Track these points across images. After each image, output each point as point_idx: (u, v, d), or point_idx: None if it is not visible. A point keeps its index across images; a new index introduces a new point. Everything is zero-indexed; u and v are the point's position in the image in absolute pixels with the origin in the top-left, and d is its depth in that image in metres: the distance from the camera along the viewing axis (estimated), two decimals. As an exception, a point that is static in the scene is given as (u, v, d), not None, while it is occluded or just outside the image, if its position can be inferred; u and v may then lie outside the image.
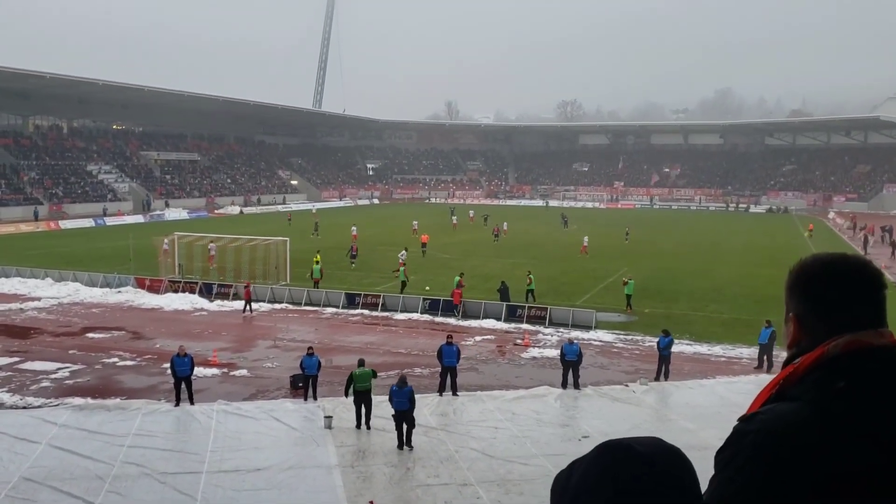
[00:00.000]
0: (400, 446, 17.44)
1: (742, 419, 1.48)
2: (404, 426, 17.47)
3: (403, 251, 42.28)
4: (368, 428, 18.62)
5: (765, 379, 22.62)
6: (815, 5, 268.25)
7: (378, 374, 20.03)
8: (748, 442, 1.42)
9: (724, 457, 1.44)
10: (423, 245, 51.16)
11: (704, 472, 1.42)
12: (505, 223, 65.34)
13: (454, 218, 73.89)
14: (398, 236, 60.53)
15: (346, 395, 19.05)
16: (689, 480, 1.35)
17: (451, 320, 31.45)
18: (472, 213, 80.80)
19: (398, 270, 36.90)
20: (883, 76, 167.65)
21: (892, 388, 1.43)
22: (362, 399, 18.68)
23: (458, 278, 34.16)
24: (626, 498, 1.29)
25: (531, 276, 34.67)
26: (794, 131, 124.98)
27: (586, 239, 52.69)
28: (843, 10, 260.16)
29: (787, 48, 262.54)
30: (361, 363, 19.50)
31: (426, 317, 32.12)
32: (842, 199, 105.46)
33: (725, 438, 1.47)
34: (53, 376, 23.10)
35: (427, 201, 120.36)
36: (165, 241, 44.33)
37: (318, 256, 39.81)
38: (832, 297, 1.57)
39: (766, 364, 24.25)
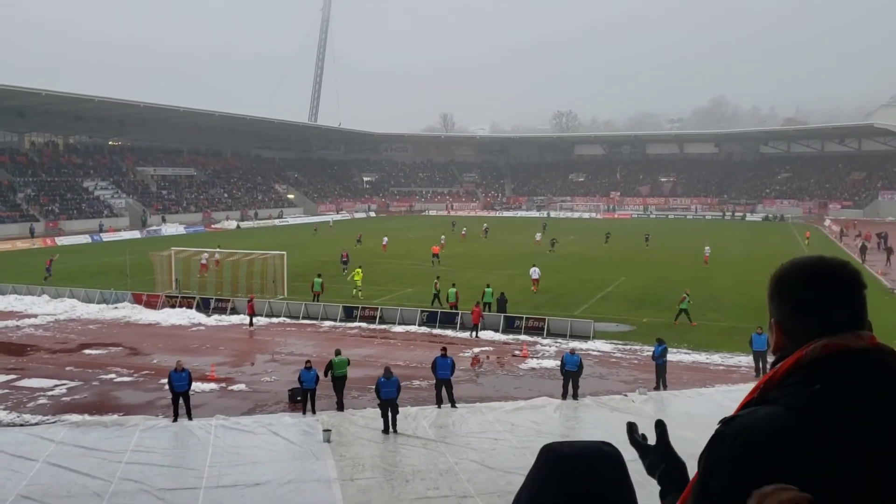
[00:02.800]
0: (386, 431, 19.24)
1: (722, 422, 1.52)
2: (390, 413, 19.36)
3: (535, 267, 41.52)
4: (342, 409, 20.97)
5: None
6: (806, 14, 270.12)
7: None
8: (727, 445, 1.45)
9: (705, 459, 1.49)
10: (435, 255, 51.82)
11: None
12: (538, 235, 65.69)
13: (464, 229, 75.26)
14: (399, 249, 60.42)
15: (325, 375, 21.34)
16: (610, 477, 1.50)
17: (449, 332, 31.39)
18: (485, 225, 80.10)
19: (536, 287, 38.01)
20: (876, 84, 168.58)
21: (866, 390, 1.44)
22: (339, 383, 21.34)
23: (451, 289, 34.36)
24: (557, 489, 1.52)
25: (488, 288, 34.58)
26: (789, 139, 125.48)
27: (708, 249, 53.11)
28: (834, 19, 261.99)
29: (779, 56, 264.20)
30: (338, 352, 22.07)
31: (424, 329, 32.07)
32: (837, 206, 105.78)
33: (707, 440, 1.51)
34: (50, 393, 22.99)
35: (425, 213, 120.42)
36: (204, 256, 45.16)
37: (359, 272, 39.92)
38: (810, 300, 1.58)
39: (763, 371, 24.27)
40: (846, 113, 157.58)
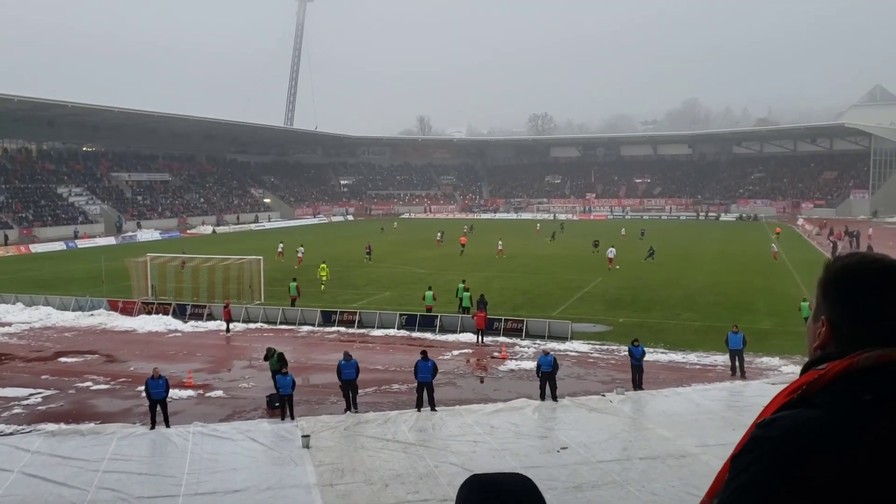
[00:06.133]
0: (347, 409, 21.25)
1: (761, 425, 1.43)
2: (350, 393, 21.41)
3: (612, 248, 51.68)
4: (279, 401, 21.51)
5: (739, 385, 22.60)
6: (777, 17, 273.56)
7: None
8: (767, 449, 1.37)
9: (742, 462, 1.40)
10: (462, 246, 60.76)
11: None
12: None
13: (444, 231, 75.27)
14: (378, 252, 60.30)
15: (265, 359, 23.83)
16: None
17: (429, 335, 31.40)
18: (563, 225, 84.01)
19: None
20: (846, 84, 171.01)
21: None
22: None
23: (427, 292, 34.48)
24: None
25: (466, 292, 34.46)
26: (762, 140, 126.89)
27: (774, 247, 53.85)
28: (805, 22, 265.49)
29: (751, 58, 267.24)
30: (273, 352, 24.04)
31: (403, 332, 32.06)
32: (810, 205, 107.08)
33: (743, 442, 1.42)
34: (25, 402, 22.74)
35: (402, 216, 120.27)
36: (300, 250, 53.38)
37: (324, 266, 43.54)
38: (871, 307, 1.49)
39: (738, 370, 24.57)
40: (818, 113, 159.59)
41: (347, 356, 21.99)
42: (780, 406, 1.46)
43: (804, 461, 1.32)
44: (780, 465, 1.34)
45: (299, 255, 52.80)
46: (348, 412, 21.25)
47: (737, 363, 24.72)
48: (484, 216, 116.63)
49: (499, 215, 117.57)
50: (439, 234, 70.43)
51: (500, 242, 60.12)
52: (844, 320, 1.51)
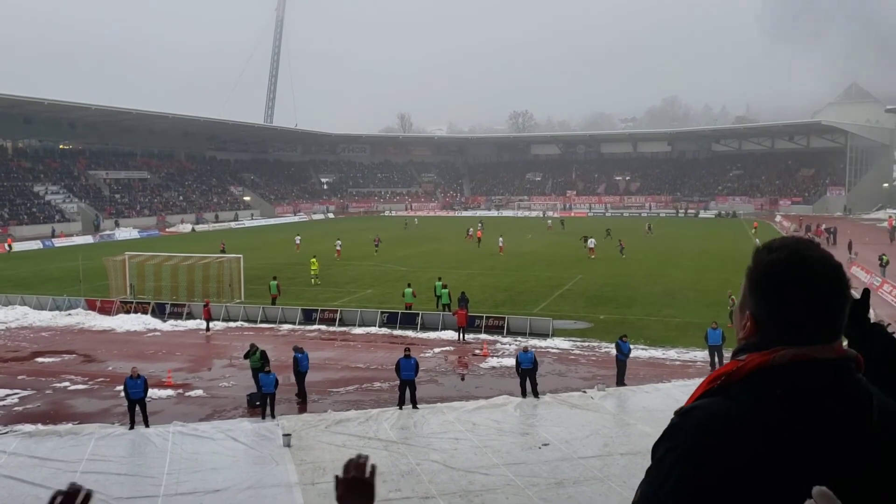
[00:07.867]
0: (300, 395, 22.41)
1: (679, 413, 1.51)
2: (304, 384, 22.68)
3: (592, 238, 55.79)
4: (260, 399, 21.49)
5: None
6: (755, 16, 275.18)
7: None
8: (681, 438, 1.45)
9: (660, 450, 1.49)
10: (479, 240, 64.44)
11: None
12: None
13: (469, 229, 74.03)
14: (361, 250, 60.18)
15: (245, 357, 23.90)
16: None
17: (410, 333, 31.37)
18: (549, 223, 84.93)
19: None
20: (823, 82, 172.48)
21: (825, 401, 1.46)
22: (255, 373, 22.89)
23: (407, 290, 34.44)
24: None
25: (444, 288, 34.56)
26: (740, 137, 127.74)
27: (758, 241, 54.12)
28: (782, 20, 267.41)
29: (730, 56, 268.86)
30: (255, 350, 23.56)
31: (384, 330, 32.00)
32: (787, 202, 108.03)
33: (662, 431, 1.50)
34: (2, 403, 22.45)
35: (384, 214, 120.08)
36: (338, 243, 57.76)
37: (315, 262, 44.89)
38: (795, 311, 1.53)
39: (718, 366, 24.73)
40: (795, 111, 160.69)
41: (301, 349, 23.15)
42: (702, 393, 1.56)
43: (714, 450, 1.42)
44: (693, 454, 1.43)
45: (337, 247, 56.71)
46: (329, 410, 21.30)
47: (716, 359, 24.90)
48: (465, 213, 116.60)
49: (479, 212, 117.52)
50: (469, 230, 71.58)
51: (500, 239, 60.07)
52: (768, 318, 1.56)
